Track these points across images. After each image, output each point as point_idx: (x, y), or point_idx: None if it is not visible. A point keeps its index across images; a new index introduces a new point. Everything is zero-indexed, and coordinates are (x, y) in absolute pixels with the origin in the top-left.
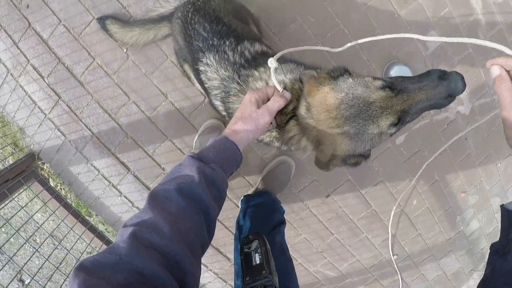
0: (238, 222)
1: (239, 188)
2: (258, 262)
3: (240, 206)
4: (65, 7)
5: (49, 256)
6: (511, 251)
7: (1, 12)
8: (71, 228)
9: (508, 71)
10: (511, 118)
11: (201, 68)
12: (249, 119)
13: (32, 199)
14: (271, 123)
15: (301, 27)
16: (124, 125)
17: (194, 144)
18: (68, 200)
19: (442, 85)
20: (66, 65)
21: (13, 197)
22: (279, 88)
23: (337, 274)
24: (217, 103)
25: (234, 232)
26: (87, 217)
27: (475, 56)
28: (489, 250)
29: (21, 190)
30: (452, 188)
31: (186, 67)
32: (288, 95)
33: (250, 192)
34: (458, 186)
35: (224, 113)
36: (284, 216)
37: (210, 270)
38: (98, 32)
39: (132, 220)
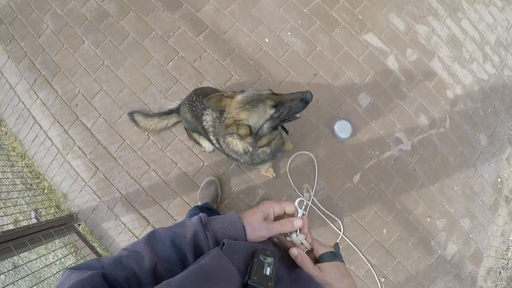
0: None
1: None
2: (268, 273)
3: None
4: (104, 105)
5: None
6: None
7: (56, 108)
8: None
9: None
10: (320, 275)
11: (204, 117)
12: (256, 229)
13: (68, 244)
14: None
15: None
16: (145, 187)
17: (197, 196)
18: (97, 249)
19: (300, 96)
20: (103, 145)
21: (52, 240)
22: (300, 212)
23: None
24: (211, 136)
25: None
26: None
27: (404, 106)
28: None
29: (62, 237)
30: (416, 214)
31: (195, 135)
32: (302, 222)
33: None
34: (421, 212)
35: (214, 141)
36: None
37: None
38: (127, 122)
39: (129, 247)
